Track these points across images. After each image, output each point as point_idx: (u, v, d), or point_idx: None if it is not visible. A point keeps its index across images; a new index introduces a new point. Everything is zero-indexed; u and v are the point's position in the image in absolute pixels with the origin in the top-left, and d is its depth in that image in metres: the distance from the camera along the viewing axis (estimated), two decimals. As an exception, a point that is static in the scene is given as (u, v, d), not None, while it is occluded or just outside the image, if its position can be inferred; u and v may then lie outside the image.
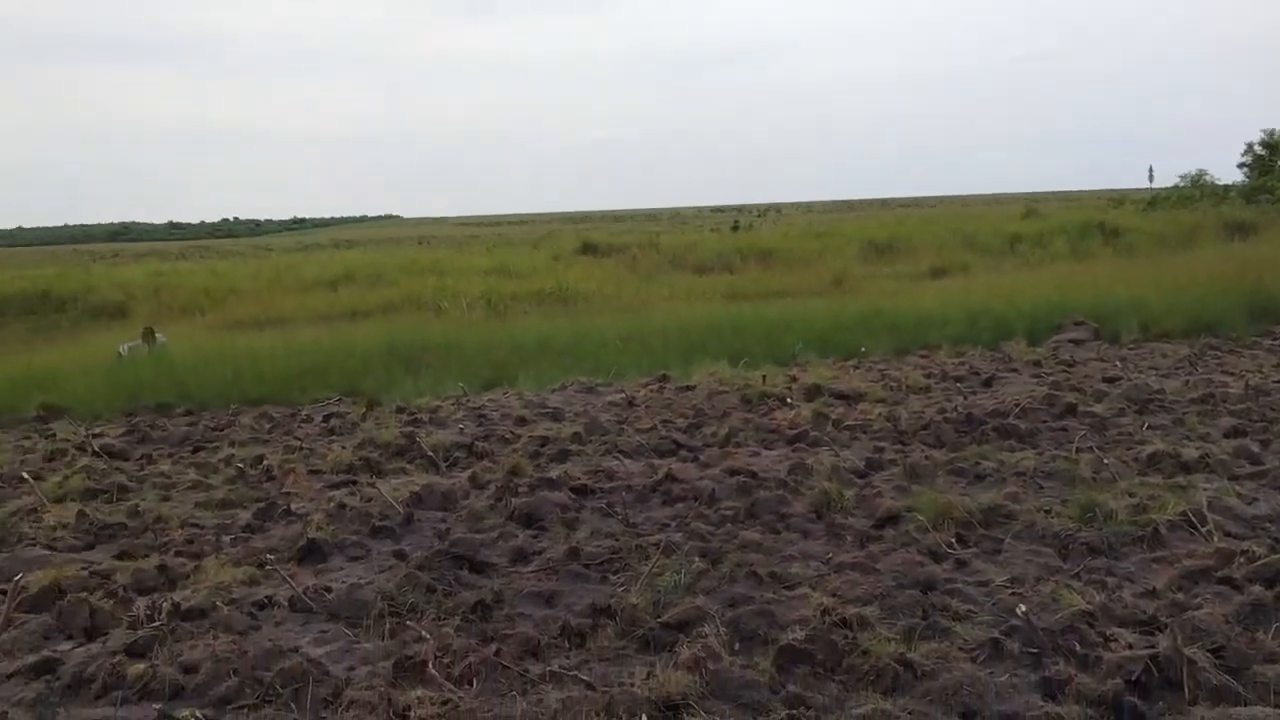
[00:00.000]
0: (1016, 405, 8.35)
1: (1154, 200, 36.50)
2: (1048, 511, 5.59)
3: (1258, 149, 34.36)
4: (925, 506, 5.61)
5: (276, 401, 11.09)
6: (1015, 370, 10.66)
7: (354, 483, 7.28)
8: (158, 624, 4.52)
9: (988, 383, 9.97)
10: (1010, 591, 4.50)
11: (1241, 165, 35.10)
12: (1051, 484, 6.29)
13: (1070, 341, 12.37)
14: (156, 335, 13.89)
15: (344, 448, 8.31)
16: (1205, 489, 5.79)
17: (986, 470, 6.59)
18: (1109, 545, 5.05)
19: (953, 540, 5.24)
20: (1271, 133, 34.04)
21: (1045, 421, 7.96)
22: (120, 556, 5.77)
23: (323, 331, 16.26)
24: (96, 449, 8.63)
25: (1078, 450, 6.93)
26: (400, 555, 5.56)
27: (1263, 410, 7.97)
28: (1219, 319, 12.80)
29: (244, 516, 6.48)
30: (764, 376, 10.29)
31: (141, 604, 4.79)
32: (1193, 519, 5.23)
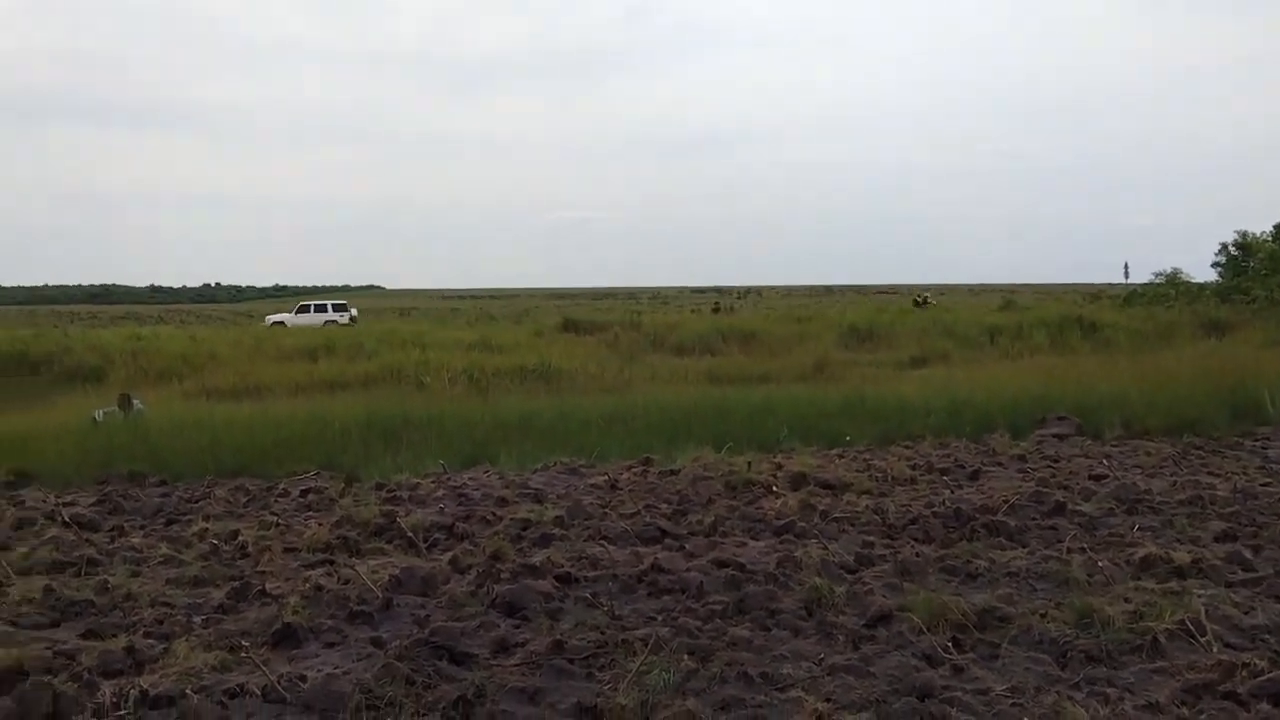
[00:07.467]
0: (1005, 502, 8.29)
1: (1130, 296, 37.14)
2: (1043, 615, 5.48)
3: (1232, 249, 35.12)
4: (919, 606, 5.50)
5: (253, 473, 10.87)
6: (1000, 464, 10.62)
7: (331, 563, 7.09)
8: (124, 712, 4.32)
9: (973, 476, 9.92)
10: (1011, 702, 4.37)
11: (1215, 264, 35.85)
12: (1045, 585, 6.19)
13: (1054, 436, 12.37)
14: (134, 401, 13.68)
15: (321, 525, 8.12)
16: (1200, 596, 5.70)
17: (978, 569, 6.49)
18: (1108, 653, 4.94)
19: (949, 644, 5.11)
20: (1244, 234, 34.87)
21: (1035, 519, 7.89)
22: (87, 636, 5.55)
23: (301, 402, 16.10)
24: (66, 519, 8.39)
25: (1069, 551, 6.85)
26: (378, 643, 5.37)
27: (1251, 514, 7.93)
28: (1200, 418, 12.84)
29: (217, 596, 6.27)
30: (749, 463, 10.19)
31: (108, 689, 4.58)
32: (1191, 628, 5.13)
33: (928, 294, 58.08)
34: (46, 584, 6.35)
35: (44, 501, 9.33)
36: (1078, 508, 8.23)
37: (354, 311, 46.78)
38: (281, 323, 42.73)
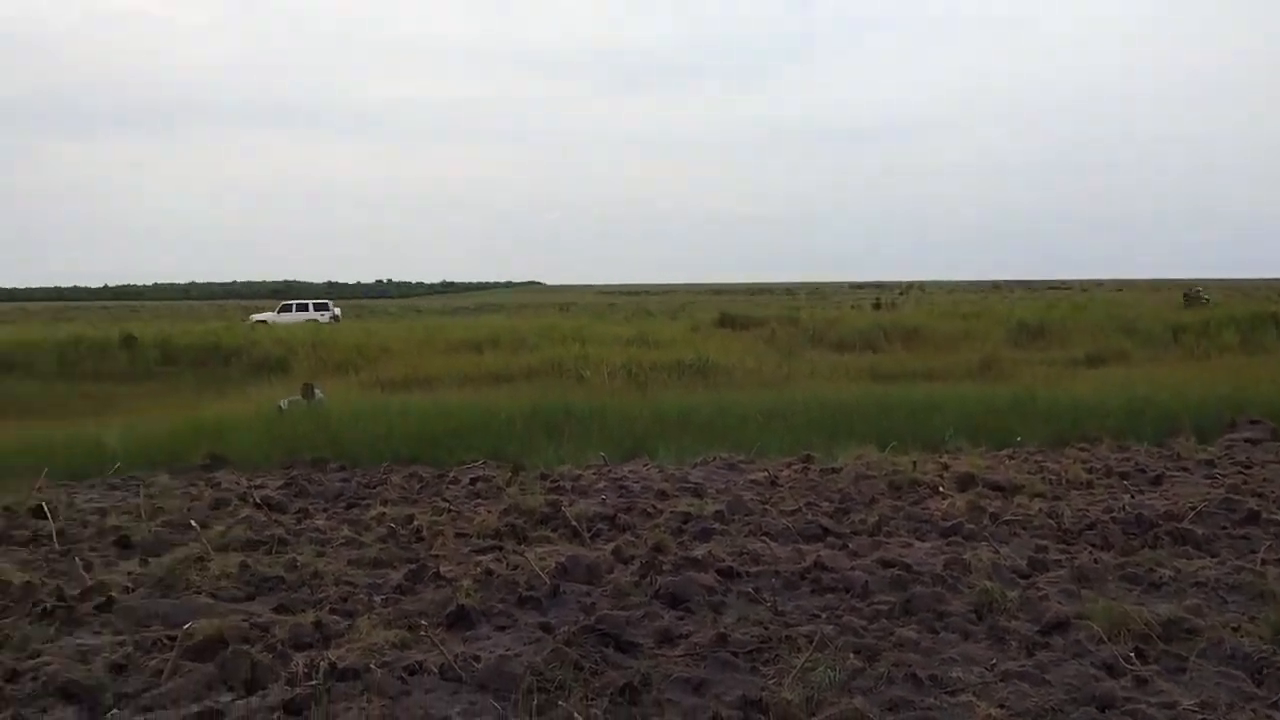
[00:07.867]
0: (1191, 508, 7.83)
1: (1333, 292, 34.39)
2: (1236, 629, 5.17)
3: None
4: (1098, 615, 5.27)
5: (425, 461, 11.34)
6: (1185, 469, 10.04)
7: (500, 549, 7.33)
8: (314, 682, 4.60)
9: (1156, 481, 9.41)
10: (1200, 718, 4.15)
11: None
12: (1237, 597, 5.83)
13: (1246, 441, 11.59)
14: (316, 391, 14.48)
15: (490, 512, 8.40)
16: None
17: (1163, 578, 6.17)
18: (1309, 673, 4.62)
19: (1131, 654, 4.88)
20: None
21: (1225, 528, 7.42)
22: (279, 610, 5.93)
23: (469, 394, 16.69)
24: (257, 500, 8.97)
25: (1264, 562, 6.42)
26: (546, 628, 5.53)
27: None
28: None
29: (395, 577, 6.58)
30: (914, 462, 9.97)
31: (300, 660, 4.89)
32: (1407, 650, 4.74)
33: (1200, 288, 51.48)
34: (242, 560, 6.80)
35: (237, 484, 10.00)
36: (1273, 517, 7.70)
37: (337, 311, 47.70)
38: (264, 321, 43.88)
